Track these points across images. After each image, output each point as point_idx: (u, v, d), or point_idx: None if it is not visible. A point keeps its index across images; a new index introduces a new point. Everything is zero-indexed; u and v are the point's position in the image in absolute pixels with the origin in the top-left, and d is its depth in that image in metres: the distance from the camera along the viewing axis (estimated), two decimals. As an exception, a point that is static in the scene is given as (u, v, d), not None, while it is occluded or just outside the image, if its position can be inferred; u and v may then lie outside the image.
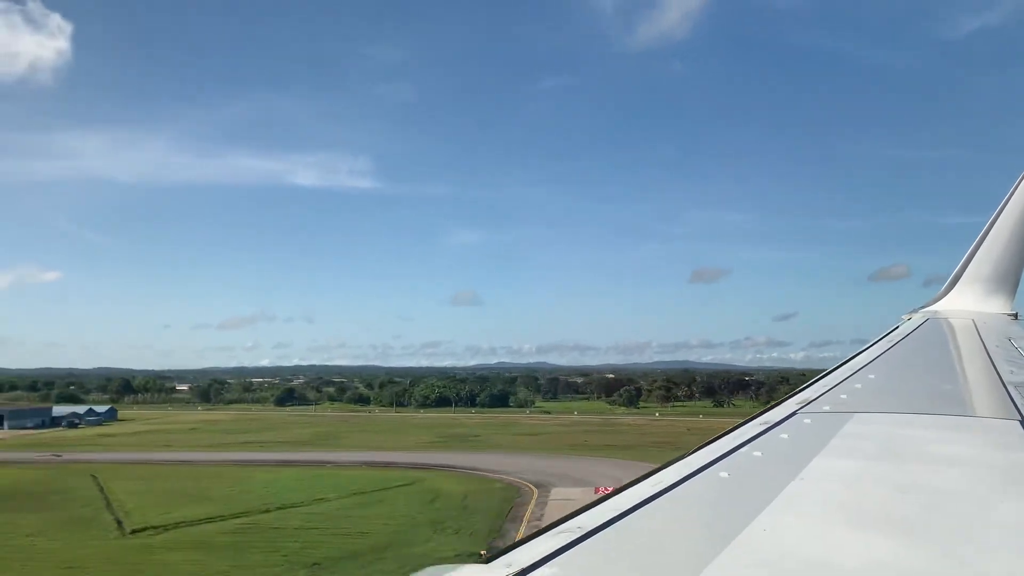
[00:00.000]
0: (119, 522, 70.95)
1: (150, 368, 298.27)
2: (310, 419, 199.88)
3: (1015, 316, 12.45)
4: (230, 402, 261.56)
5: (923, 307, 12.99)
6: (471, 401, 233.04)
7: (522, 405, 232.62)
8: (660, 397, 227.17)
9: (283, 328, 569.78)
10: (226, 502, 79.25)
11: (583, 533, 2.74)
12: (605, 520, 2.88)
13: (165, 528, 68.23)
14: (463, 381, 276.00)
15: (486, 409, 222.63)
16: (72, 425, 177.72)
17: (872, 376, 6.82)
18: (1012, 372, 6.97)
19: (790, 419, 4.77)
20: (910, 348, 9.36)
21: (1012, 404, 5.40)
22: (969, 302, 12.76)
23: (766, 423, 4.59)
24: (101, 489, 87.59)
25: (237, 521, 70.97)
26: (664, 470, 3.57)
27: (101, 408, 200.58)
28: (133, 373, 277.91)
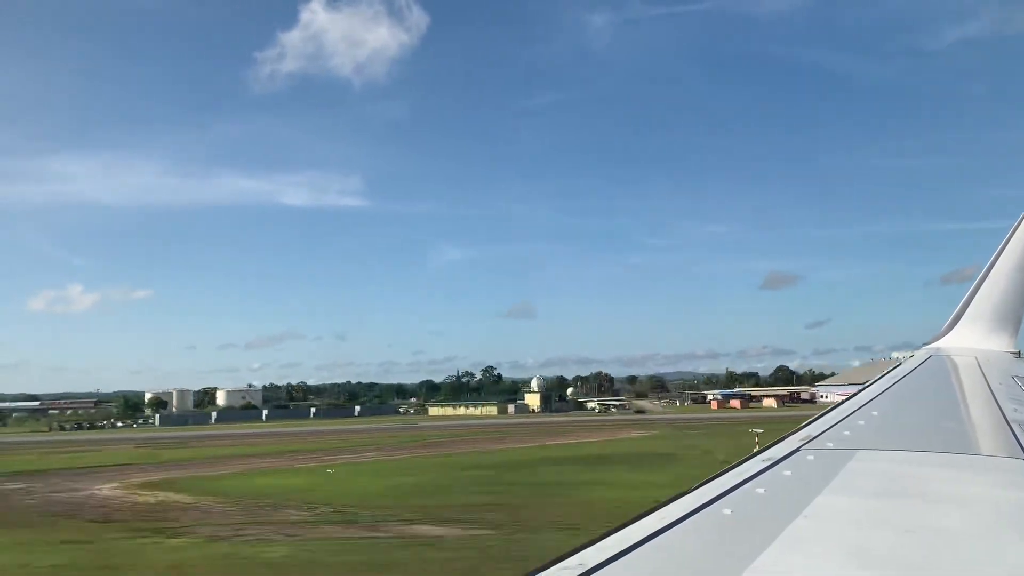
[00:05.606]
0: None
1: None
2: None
3: (1017, 354, 12.44)
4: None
5: (925, 344, 12.99)
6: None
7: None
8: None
9: (308, 347, 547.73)
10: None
11: (585, 570, 2.68)
12: (608, 556, 2.82)
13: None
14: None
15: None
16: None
17: (875, 412, 6.77)
18: (1016, 410, 6.90)
19: (793, 455, 4.73)
20: (913, 385, 9.31)
21: (1016, 443, 5.34)
22: (971, 339, 12.75)
23: (769, 459, 4.56)
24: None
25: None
26: (667, 506, 3.55)
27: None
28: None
